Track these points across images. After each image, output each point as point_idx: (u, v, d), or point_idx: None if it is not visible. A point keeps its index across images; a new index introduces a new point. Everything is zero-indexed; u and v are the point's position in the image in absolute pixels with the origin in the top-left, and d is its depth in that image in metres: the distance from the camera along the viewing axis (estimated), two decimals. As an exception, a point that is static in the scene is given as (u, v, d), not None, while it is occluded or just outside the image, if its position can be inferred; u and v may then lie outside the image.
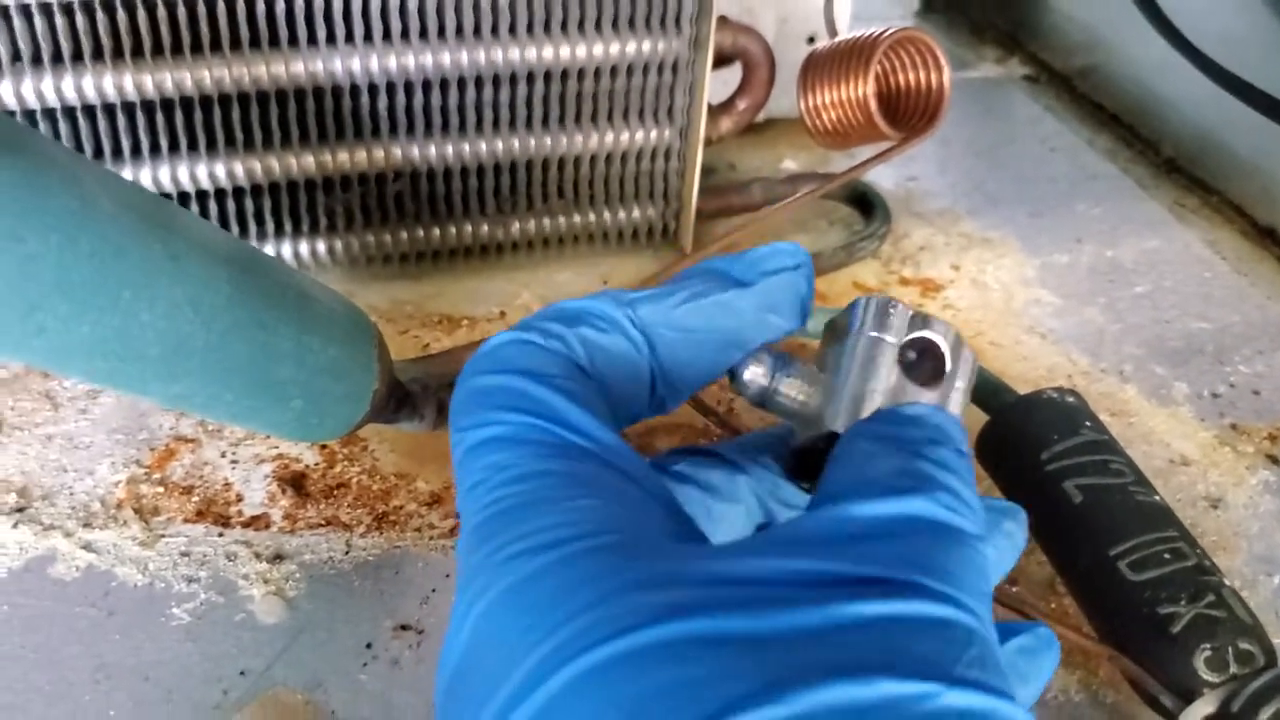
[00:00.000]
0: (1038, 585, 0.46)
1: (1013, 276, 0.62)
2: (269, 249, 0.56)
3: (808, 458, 0.31)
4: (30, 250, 0.32)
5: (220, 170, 0.53)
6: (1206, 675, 0.38)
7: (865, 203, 0.64)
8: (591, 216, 0.60)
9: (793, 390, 0.30)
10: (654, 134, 0.57)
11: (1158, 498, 0.42)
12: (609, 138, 0.57)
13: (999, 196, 0.69)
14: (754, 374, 0.30)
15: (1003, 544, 0.30)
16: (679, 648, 0.20)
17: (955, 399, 0.30)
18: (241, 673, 0.41)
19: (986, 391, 0.48)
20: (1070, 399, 0.46)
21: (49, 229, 0.33)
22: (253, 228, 0.55)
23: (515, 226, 0.59)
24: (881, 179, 0.68)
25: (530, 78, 0.54)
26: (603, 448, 0.26)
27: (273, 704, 0.39)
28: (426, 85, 0.53)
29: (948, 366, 0.30)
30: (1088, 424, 0.44)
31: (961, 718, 0.20)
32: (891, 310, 0.29)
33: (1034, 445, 0.44)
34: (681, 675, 0.19)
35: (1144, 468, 0.45)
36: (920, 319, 0.30)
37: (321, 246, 0.57)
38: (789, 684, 0.19)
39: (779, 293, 0.30)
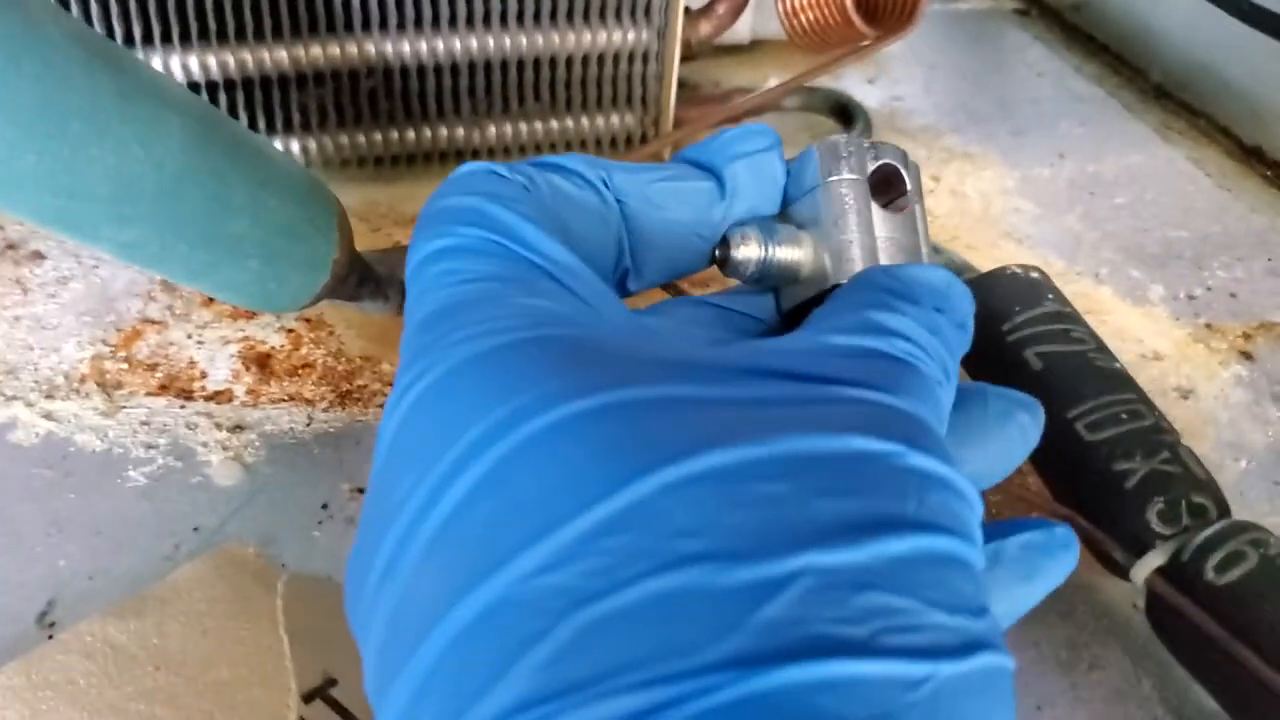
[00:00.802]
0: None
1: (992, 187, 0.62)
2: (243, 145, 0.56)
3: (801, 314, 0.30)
4: (-28, 67, 0.32)
5: (193, 63, 0.53)
6: (1159, 528, 0.37)
7: (846, 114, 0.64)
8: (569, 122, 0.60)
9: (787, 255, 0.29)
10: (631, 35, 0.57)
11: (1118, 364, 0.42)
12: (586, 37, 0.57)
13: (983, 115, 0.69)
14: (748, 251, 0.28)
15: (1014, 436, 0.29)
16: (643, 406, 0.20)
17: (919, 211, 0.30)
18: (195, 529, 0.41)
19: (952, 270, 0.48)
20: (1034, 274, 0.45)
21: (-9, 47, 0.33)
22: (226, 122, 0.55)
23: (491, 130, 0.59)
24: (866, 98, 0.68)
25: (504, -28, 0.54)
26: (561, 267, 0.25)
27: (223, 556, 0.39)
28: (399, -23, 0.53)
29: (907, 186, 0.30)
30: (1049, 296, 0.44)
31: (923, 478, 0.20)
32: (849, 149, 0.29)
33: (996, 317, 0.44)
34: (649, 424, 0.20)
35: (1116, 361, 0.45)
36: (871, 147, 0.29)
37: (295, 145, 0.57)
38: (765, 433, 0.20)
39: (749, 176, 0.29)
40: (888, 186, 0.30)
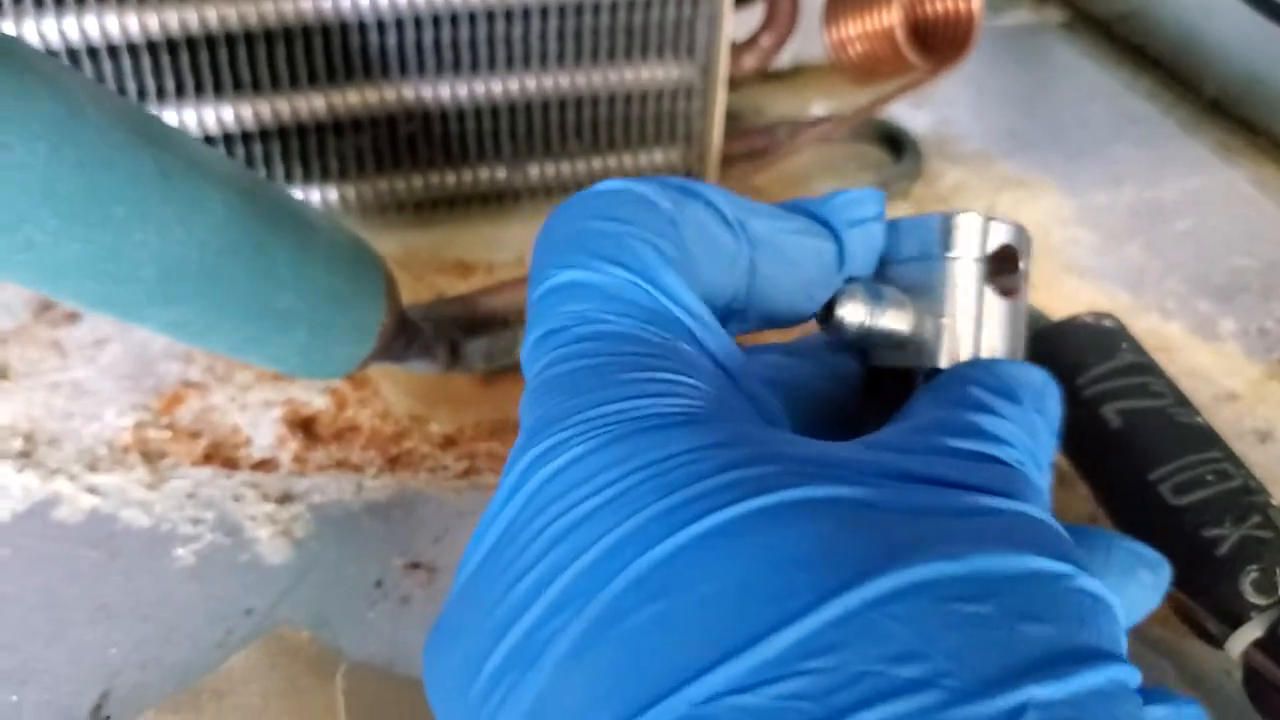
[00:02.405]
0: (1078, 521, 0.44)
1: (1049, 216, 0.60)
2: (281, 195, 0.55)
3: (888, 379, 0.29)
4: (16, 159, 0.31)
5: (229, 114, 0.52)
6: (1253, 598, 0.35)
7: (896, 143, 0.62)
8: (611, 160, 0.59)
9: (891, 323, 0.28)
10: (675, 71, 0.56)
11: (1200, 419, 0.40)
12: (628, 75, 0.55)
13: (1035, 140, 0.67)
14: (853, 311, 0.27)
15: (1134, 593, 0.28)
16: (815, 508, 0.19)
17: (1026, 292, 0.29)
18: (247, 612, 0.39)
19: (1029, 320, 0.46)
20: (1107, 322, 0.43)
21: (35, 136, 0.31)
22: (263, 172, 0.54)
23: (532, 171, 0.58)
24: (914, 123, 0.66)
25: (544, 12, 0.53)
26: (700, 325, 0.24)
27: (276, 643, 0.38)
28: (437, 21, 0.52)
29: (1021, 265, 0.29)
30: (1124, 346, 0.42)
31: (1094, 601, 0.20)
32: (972, 227, 0.28)
33: (1070, 370, 0.42)
34: (826, 531, 0.19)
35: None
36: (990, 222, 0.28)
37: (334, 194, 0.55)
38: (950, 544, 0.19)
39: (860, 244, 0.28)
40: (1001, 265, 0.29)
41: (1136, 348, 0.43)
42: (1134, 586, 0.27)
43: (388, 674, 0.38)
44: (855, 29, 0.52)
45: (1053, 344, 0.43)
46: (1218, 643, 0.36)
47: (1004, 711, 0.17)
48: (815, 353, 0.30)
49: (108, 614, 0.39)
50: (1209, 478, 0.38)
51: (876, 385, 0.30)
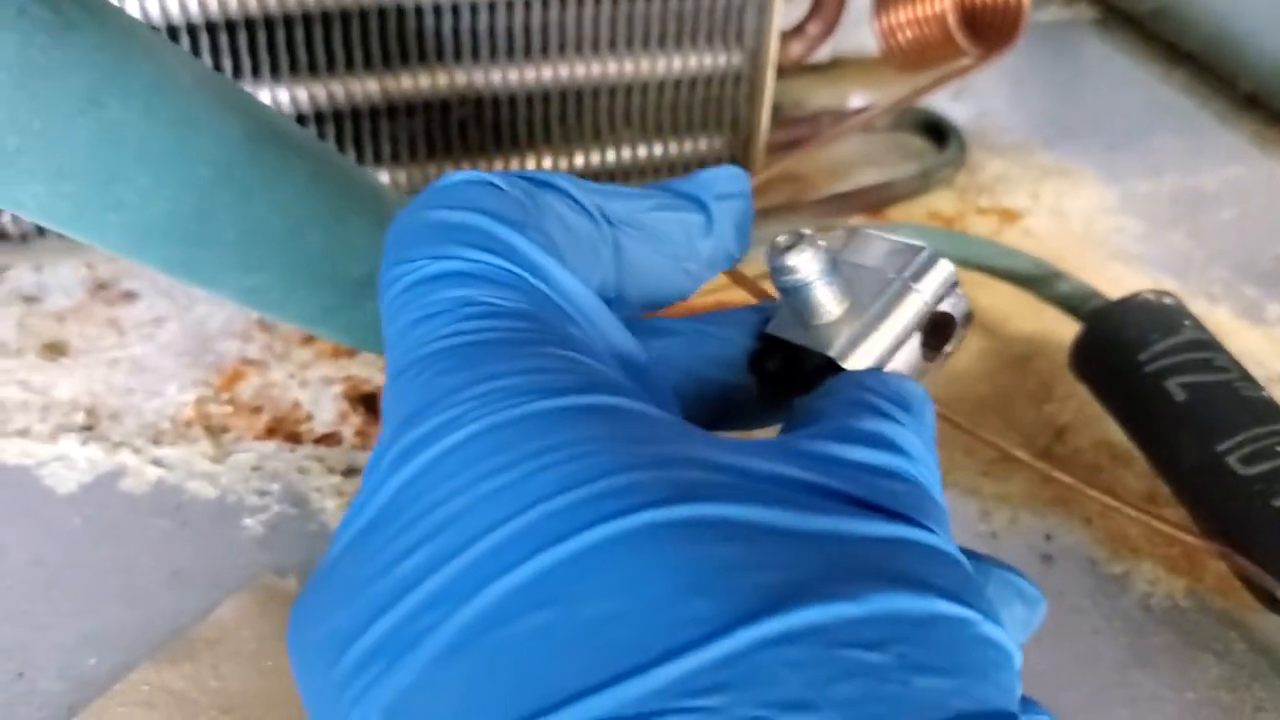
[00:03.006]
0: (1136, 498, 0.44)
1: (1092, 205, 0.60)
2: (334, 178, 0.55)
3: (779, 354, 0.29)
4: (111, 116, 0.31)
5: (284, 96, 0.52)
6: (1327, 566, 0.36)
7: (939, 132, 0.63)
8: (658, 148, 0.59)
9: (822, 298, 0.27)
10: (723, 59, 0.56)
11: (1265, 393, 0.40)
12: (677, 62, 0.56)
13: (1074, 129, 0.67)
14: (805, 263, 0.26)
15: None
16: (720, 528, 0.18)
17: (930, 369, 0.29)
18: (318, 578, 0.40)
19: (1077, 300, 0.46)
20: (1168, 300, 0.44)
21: (130, 94, 0.32)
22: (318, 156, 0.54)
23: (580, 158, 0.58)
24: (953, 115, 0.67)
25: (598, -2, 0.53)
26: (582, 309, 0.24)
27: (262, 589, 0.39)
28: (492, 6, 0.52)
29: (949, 346, 0.29)
30: (1187, 323, 0.43)
31: (995, 651, 0.20)
32: (935, 266, 0.28)
33: (1132, 347, 0.42)
34: (730, 555, 0.18)
35: (1240, 384, 0.44)
36: (951, 285, 0.28)
37: (385, 177, 0.56)
38: (853, 582, 0.18)
39: (729, 219, 0.28)
40: (934, 329, 0.29)
41: (1198, 325, 0.43)
42: (1005, 619, 0.25)
43: None
44: (906, 15, 0.53)
45: (1115, 320, 0.44)
46: (1288, 610, 0.37)
47: None
48: (694, 330, 0.29)
49: (182, 580, 0.39)
50: (1278, 448, 0.38)
51: (760, 361, 0.30)
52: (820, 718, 0.16)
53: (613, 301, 0.27)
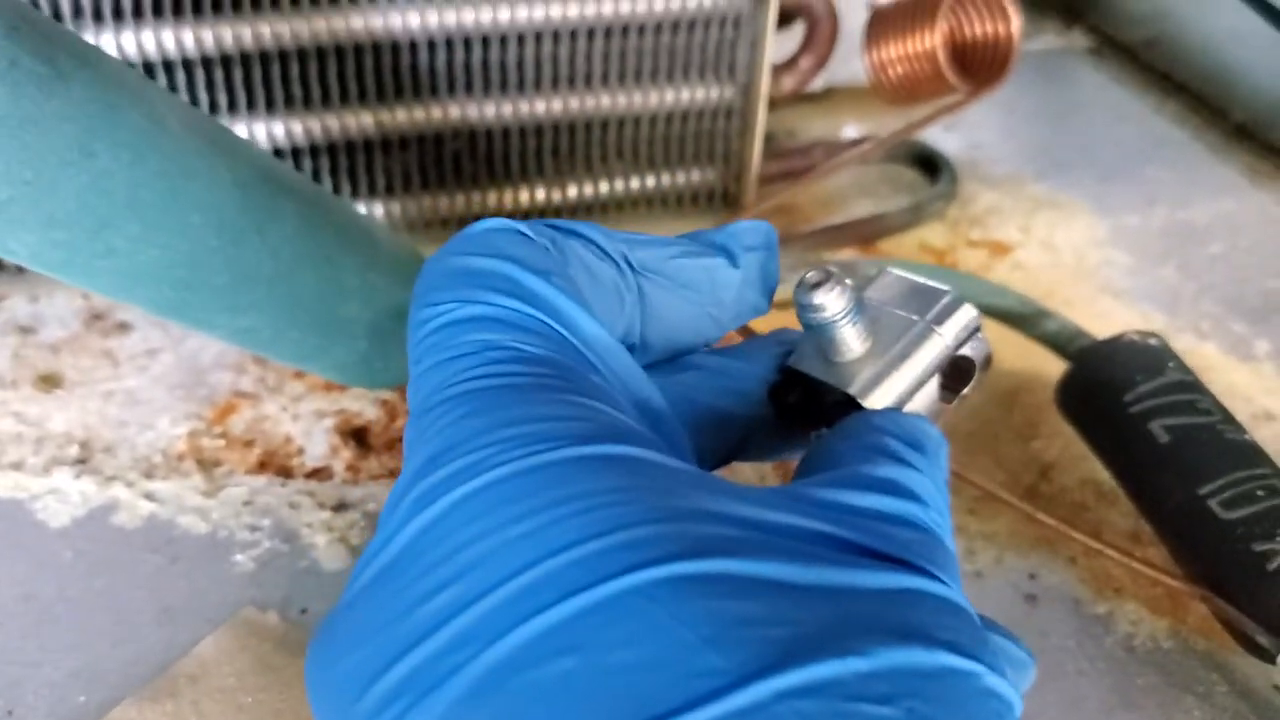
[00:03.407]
0: (1122, 537, 0.44)
1: (1083, 238, 0.61)
2: (328, 210, 0.55)
3: (799, 387, 0.30)
4: (102, 166, 0.32)
5: (279, 129, 0.52)
6: (1307, 612, 0.36)
7: (930, 165, 0.63)
8: (650, 180, 0.59)
9: (846, 336, 0.28)
10: (715, 92, 0.57)
11: (1247, 436, 0.41)
12: (669, 96, 0.56)
13: (1066, 161, 0.68)
14: (832, 301, 0.27)
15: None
16: (736, 583, 0.19)
17: (948, 411, 0.30)
18: (301, 612, 0.40)
19: (1064, 338, 0.47)
20: (1153, 341, 0.44)
21: (120, 145, 0.32)
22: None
23: (572, 190, 0.58)
24: (945, 146, 0.67)
25: (590, 33, 0.54)
26: (605, 357, 0.24)
27: (242, 625, 0.39)
28: (485, 41, 0.53)
29: (967, 389, 0.30)
30: (1171, 364, 0.43)
31: (1000, 700, 0.20)
32: (959, 310, 0.29)
33: (1117, 388, 0.43)
34: (745, 610, 0.18)
35: (1227, 422, 0.44)
36: (973, 329, 0.30)
37: (380, 210, 0.56)
38: (864, 637, 0.19)
39: (756, 270, 0.29)
40: (954, 373, 0.29)
41: (1182, 366, 0.43)
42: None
43: None
44: (897, 51, 0.53)
45: (1100, 361, 0.44)
46: (1269, 656, 0.37)
47: None
48: (717, 365, 0.30)
49: (171, 617, 0.40)
50: (1259, 493, 0.38)
51: (780, 394, 0.30)
52: None
53: (635, 348, 0.27)
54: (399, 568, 0.20)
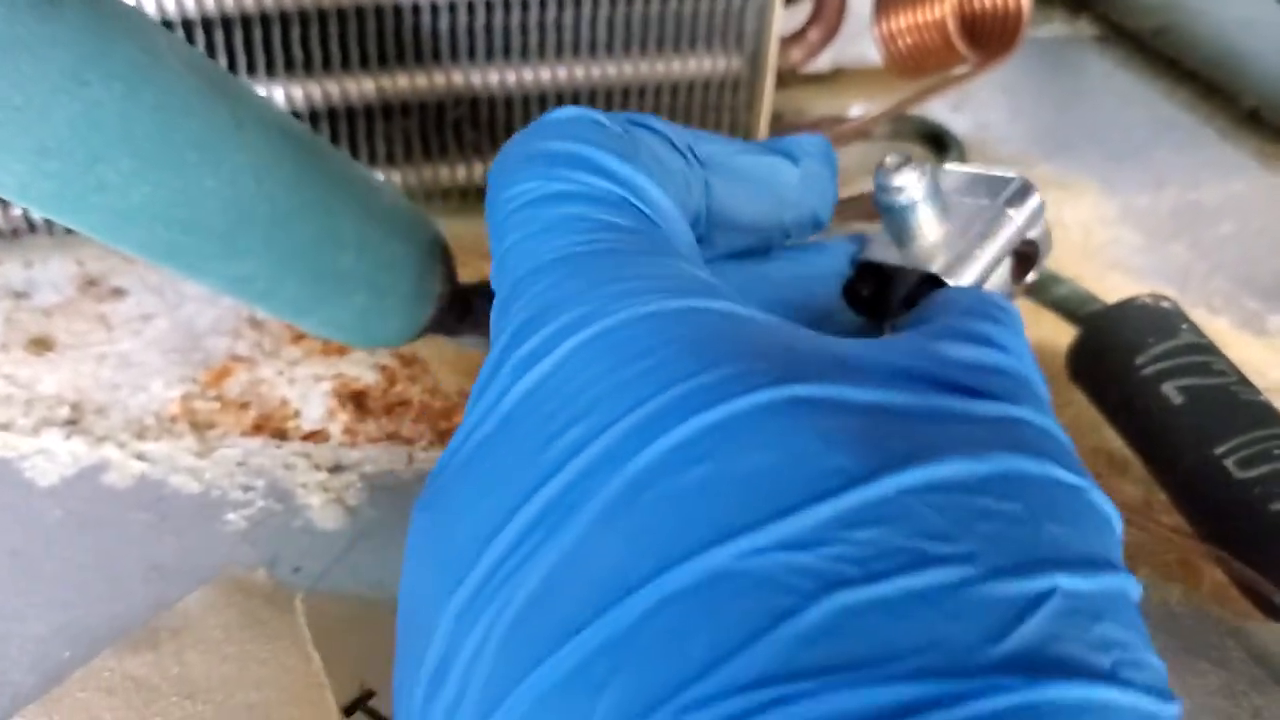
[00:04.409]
0: (1135, 506, 0.43)
1: (1092, 216, 0.60)
2: (328, 178, 0.54)
3: (873, 279, 0.30)
4: (94, 95, 0.31)
5: (279, 94, 0.52)
6: (1325, 571, 0.35)
7: (939, 142, 0.62)
8: (655, 153, 0.59)
9: (925, 219, 0.29)
10: (722, 63, 0.56)
11: (1263, 397, 0.40)
12: (675, 65, 0.55)
13: (1074, 143, 0.67)
14: (913, 183, 0.28)
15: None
16: (851, 407, 0.20)
17: (1016, 291, 0.32)
18: (295, 570, 0.39)
19: (1074, 303, 0.46)
20: (1165, 304, 0.43)
21: (113, 75, 0.31)
22: (312, 154, 0.54)
23: (577, 162, 0.58)
24: (954, 126, 0.66)
25: (596, -1, 0.53)
26: (679, 235, 0.25)
27: (231, 582, 0.38)
28: (489, 5, 0.52)
29: (1031, 274, 0.31)
30: (1184, 326, 0.42)
31: (1104, 518, 0.21)
32: (1030, 195, 0.30)
33: (1128, 350, 0.42)
34: (863, 425, 0.19)
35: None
36: (1039, 215, 0.31)
37: (380, 178, 0.55)
38: (978, 447, 0.20)
39: (815, 178, 0.30)
40: (1022, 258, 0.31)
41: (1196, 329, 0.42)
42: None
43: (345, 597, 0.38)
44: (906, 21, 0.52)
45: (1111, 324, 0.43)
46: (1287, 617, 0.36)
47: (1034, 592, 0.18)
48: (789, 259, 0.30)
49: (161, 574, 0.39)
50: (1276, 452, 0.37)
51: (854, 288, 0.31)
52: (965, 545, 0.18)
53: (702, 239, 0.28)
54: (514, 422, 0.21)
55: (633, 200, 0.24)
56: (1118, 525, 0.22)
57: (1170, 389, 0.40)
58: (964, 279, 0.28)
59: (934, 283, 0.28)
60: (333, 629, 0.36)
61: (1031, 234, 0.30)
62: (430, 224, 0.43)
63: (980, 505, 0.19)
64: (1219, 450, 0.38)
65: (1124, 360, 0.41)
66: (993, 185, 0.30)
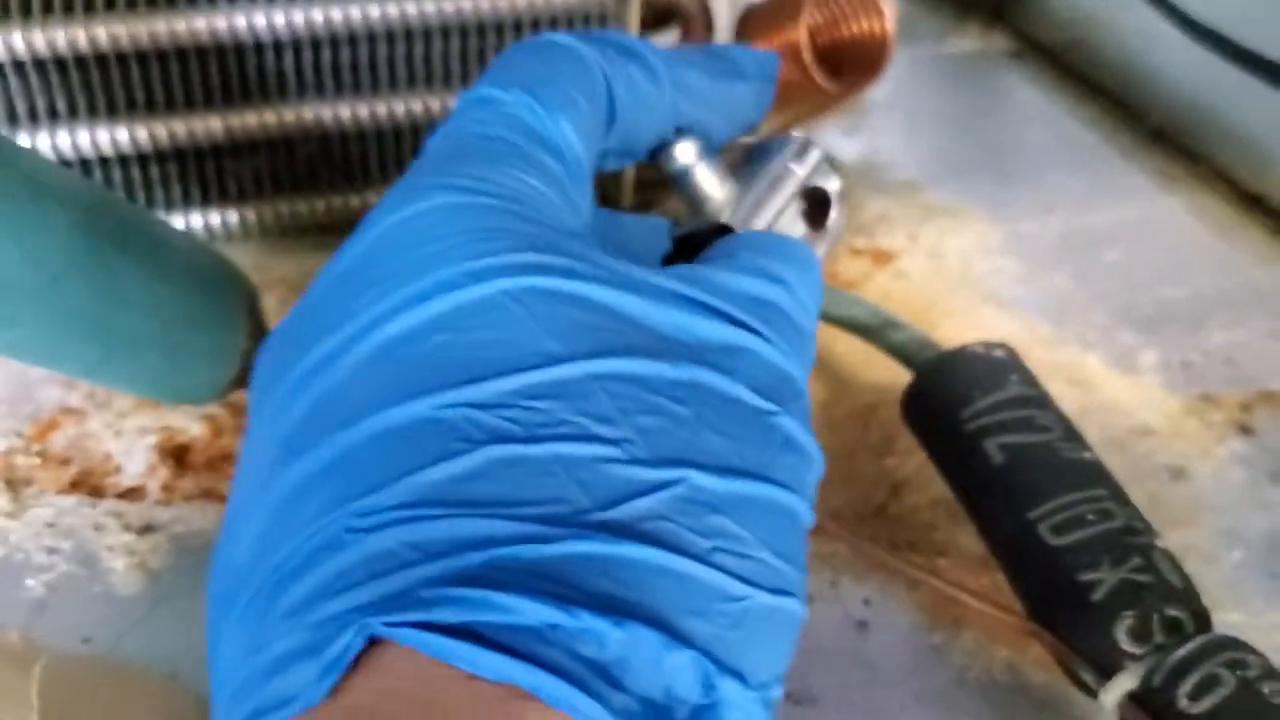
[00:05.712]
0: (970, 560, 0.42)
1: (973, 245, 0.58)
2: (177, 220, 0.53)
3: (687, 244, 0.33)
4: None
5: (122, 135, 0.50)
6: (1129, 647, 0.34)
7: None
8: (524, 185, 0.57)
9: (708, 178, 0.32)
10: (583, 94, 0.54)
11: (1088, 454, 0.38)
12: (534, 98, 0.54)
13: (967, 166, 0.65)
14: (685, 151, 0.32)
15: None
16: (585, 302, 0.24)
17: (822, 246, 0.34)
18: (84, 640, 0.38)
19: (911, 349, 0.44)
20: (998, 352, 0.42)
21: None
22: (159, 195, 0.53)
23: (443, 196, 0.56)
24: (844, 151, 0.65)
25: (445, 32, 0.52)
26: (572, 169, 0.28)
27: None
28: (335, 41, 0.51)
29: (830, 220, 0.34)
30: (1013, 377, 0.40)
31: (786, 440, 0.25)
32: (810, 150, 0.34)
33: (955, 404, 0.40)
34: (586, 319, 0.23)
35: (1102, 438, 0.42)
36: (828, 166, 0.34)
37: (233, 217, 0.54)
38: (676, 357, 0.24)
39: (759, 96, 0.35)
40: (817, 208, 0.34)
41: (1027, 379, 0.41)
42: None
43: (91, 661, 0.37)
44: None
45: (940, 374, 0.42)
46: (1093, 693, 0.34)
47: (661, 480, 0.22)
48: (614, 224, 0.33)
49: (-56, 647, 0.38)
50: (1090, 517, 0.36)
51: (671, 262, 0.33)
52: (619, 431, 0.22)
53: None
54: (344, 277, 0.25)
55: (547, 124, 0.28)
56: (815, 458, 0.26)
57: (992, 446, 0.38)
58: (748, 224, 0.32)
59: (726, 230, 0.32)
60: (68, 695, 0.34)
61: (821, 182, 0.33)
62: (235, 275, 0.41)
63: (653, 402, 0.23)
64: (1033, 514, 0.36)
65: (950, 414, 0.40)
66: (777, 146, 0.34)
